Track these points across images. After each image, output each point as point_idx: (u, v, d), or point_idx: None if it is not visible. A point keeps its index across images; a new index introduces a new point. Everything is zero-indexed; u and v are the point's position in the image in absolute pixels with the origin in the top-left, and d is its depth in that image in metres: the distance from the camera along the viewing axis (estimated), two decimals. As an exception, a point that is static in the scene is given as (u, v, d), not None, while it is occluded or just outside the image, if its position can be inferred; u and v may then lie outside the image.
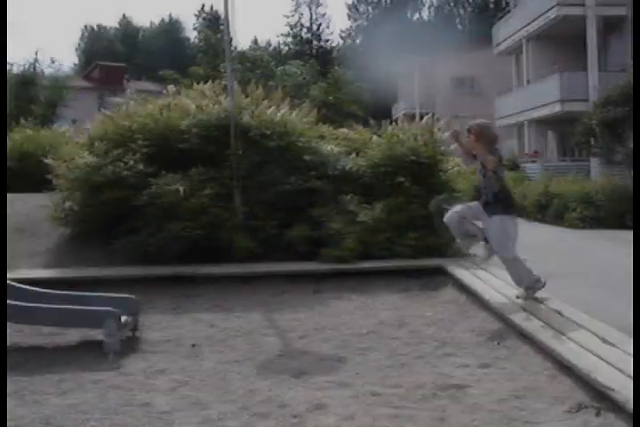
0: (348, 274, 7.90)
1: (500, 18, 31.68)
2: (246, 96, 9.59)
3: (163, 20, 77.96)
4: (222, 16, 10.65)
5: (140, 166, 8.31)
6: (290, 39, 67.59)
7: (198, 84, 10.18)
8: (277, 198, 8.58)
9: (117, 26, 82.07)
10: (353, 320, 6.31)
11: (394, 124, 10.10)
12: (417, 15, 68.97)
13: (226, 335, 5.95)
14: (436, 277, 7.75)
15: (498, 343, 5.29)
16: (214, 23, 66.68)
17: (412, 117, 20.33)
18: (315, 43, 67.01)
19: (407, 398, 4.14)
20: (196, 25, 73.53)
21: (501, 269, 6.66)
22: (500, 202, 6.14)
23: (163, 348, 5.63)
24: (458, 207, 6.36)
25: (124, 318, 5.65)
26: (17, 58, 26.83)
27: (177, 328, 6.27)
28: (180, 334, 6.05)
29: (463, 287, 7.06)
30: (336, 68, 38.62)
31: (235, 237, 8.24)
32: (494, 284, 6.82)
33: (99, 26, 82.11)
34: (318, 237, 8.36)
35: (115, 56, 71.80)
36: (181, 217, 8.00)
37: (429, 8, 69.87)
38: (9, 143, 13.87)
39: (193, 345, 5.63)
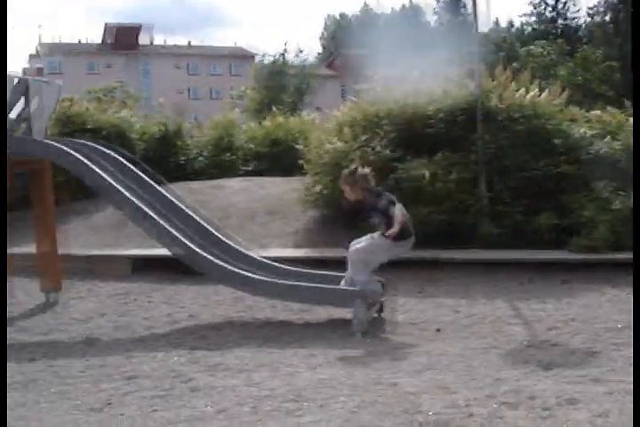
0: (599, 265, 7.49)
1: None
2: (492, 79, 9.38)
3: (403, 5, 78.47)
4: (467, -1, 10.45)
5: (387, 151, 8.44)
6: (533, 19, 64.98)
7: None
8: (524, 184, 8.32)
9: (359, 13, 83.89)
10: (605, 314, 5.99)
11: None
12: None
13: (470, 322, 5.91)
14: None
15: None
16: (454, 6, 66.00)
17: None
18: (560, 21, 63.82)
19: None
20: (436, 9, 73.18)
21: None
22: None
23: (407, 330, 5.72)
24: None
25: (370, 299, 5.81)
26: (268, 49, 28.33)
27: (421, 312, 6.34)
28: (423, 317, 6.11)
29: None
30: (585, 47, 36.47)
31: (479, 223, 8.13)
32: None
33: (341, 15, 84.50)
34: (567, 224, 8.00)
35: (357, 43, 73.71)
36: (426, 202, 8.03)
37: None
38: (261, 131, 14.70)
39: (437, 330, 5.65)
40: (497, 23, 64.28)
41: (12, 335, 5.96)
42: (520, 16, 73.00)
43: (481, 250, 8.04)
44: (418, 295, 6.99)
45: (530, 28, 63.36)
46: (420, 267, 7.80)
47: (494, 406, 3.81)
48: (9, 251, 8.79)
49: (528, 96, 8.96)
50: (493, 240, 8.07)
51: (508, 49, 35.59)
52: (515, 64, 20.83)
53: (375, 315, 6.04)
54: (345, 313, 5.87)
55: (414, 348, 5.14)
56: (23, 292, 7.77)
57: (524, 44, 40.22)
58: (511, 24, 66.91)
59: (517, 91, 9.09)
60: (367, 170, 5.95)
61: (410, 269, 7.73)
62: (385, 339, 5.48)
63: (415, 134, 8.67)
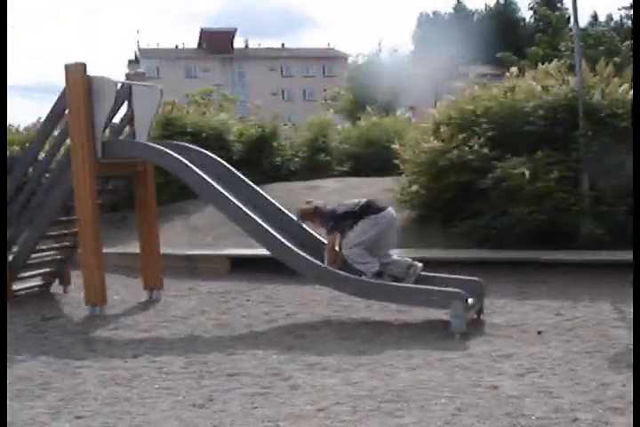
0: None
1: None
2: (594, 75, 9.09)
3: (497, 2, 77.03)
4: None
5: (485, 150, 8.31)
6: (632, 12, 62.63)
7: (536, 65, 9.87)
8: (628, 183, 8.01)
9: (452, 11, 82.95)
10: None
11: None
12: None
13: (573, 325, 5.75)
14: None
15: None
16: (550, 1, 64.27)
17: None
18: (662, 13, 61.24)
19: None
20: (532, 4, 71.48)
21: None
22: None
23: (508, 332, 5.61)
24: None
25: (470, 300, 5.73)
26: (361, 49, 28.34)
27: (521, 314, 6.20)
28: (524, 319, 5.98)
29: None
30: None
31: (581, 223, 7.89)
32: None
33: (434, 12, 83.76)
34: (675, 224, 7.66)
35: (449, 41, 72.90)
36: (525, 201, 7.86)
37: None
38: (356, 131, 14.73)
39: (539, 332, 5.52)
40: (595, 17, 62.23)
41: (117, 332, 6.17)
42: (619, 9, 70.53)
43: (583, 251, 7.80)
44: (518, 297, 6.84)
45: (629, 22, 61.02)
46: (521, 268, 7.65)
47: (600, 411, 3.70)
48: (114, 250, 9.17)
49: (632, 91, 8.63)
50: (596, 241, 7.83)
51: (608, 43, 34.34)
52: (616, 59, 20.09)
53: (474, 316, 5.95)
54: (443, 314, 5.80)
55: (515, 350, 5.03)
56: (127, 290, 8.04)
57: (625, 39, 38.75)
58: (610, 18, 64.74)
59: (620, 86, 8.77)
60: (310, 205, 6.51)
61: (510, 270, 7.60)
62: (485, 341, 5.38)
63: (514, 132, 8.50)
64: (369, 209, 6.26)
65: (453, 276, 6.21)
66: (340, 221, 6.24)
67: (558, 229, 7.95)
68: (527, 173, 7.87)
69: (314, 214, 6.39)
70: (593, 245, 7.81)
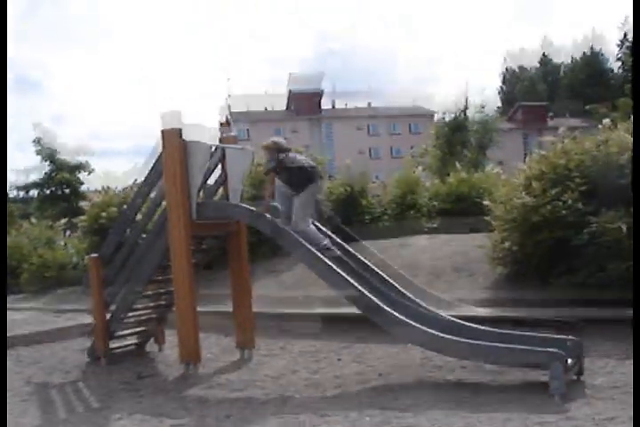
0: None
1: None
2: None
3: (584, 53, 76.35)
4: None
5: (579, 205, 8.11)
6: None
7: (628, 116, 9.66)
8: None
9: (538, 65, 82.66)
10: None
11: None
12: None
13: (682, 387, 5.44)
14: None
15: None
16: None
17: None
18: None
19: None
20: (619, 55, 70.53)
21: None
22: None
23: (609, 394, 5.37)
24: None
25: (569, 361, 5.53)
26: (448, 106, 28.44)
27: (623, 374, 5.93)
28: (627, 380, 5.70)
29: None
30: None
31: (685, 279, 7.53)
32: None
33: (520, 67, 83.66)
34: None
35: (536, 95, 72.39)
36: (625, 256, 7.59)
37: None
38: (445, 187, 14.65)
39: (645, 394, 5.25)
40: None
41: (210, 391, 6.23)
42: None
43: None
44: (619, 357, 6.54)
45: None
46: (621, 326, 7.33)
47: None
48: (207, 308, 9.31)
49: None
50: None
51: None
52: None
53: (574, 377, 5.73)
54: (541, 375, 5.61)
55: (618, 413, 4.80)
56: (220, 348, 8.13)
57: None
58: None
59: None
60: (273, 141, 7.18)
61: (609, 328, 7.30)
62: (585, 403, 5.17)
63: (609, 186, 8.28)
64: (314, 176, 6.94)
65: (552, 335, 6.02)
66: (286, 171, 6.89)
67: (660, 285, 7.61)
68: (624, 227, 7.62)
69: (272, 148, 7.00)
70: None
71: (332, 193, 13.62)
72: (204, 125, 7.28)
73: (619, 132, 8.99)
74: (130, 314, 7.84)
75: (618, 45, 72.61)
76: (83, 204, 15.63)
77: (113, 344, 7.89)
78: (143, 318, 8.13)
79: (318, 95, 66.65)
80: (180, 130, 6.95)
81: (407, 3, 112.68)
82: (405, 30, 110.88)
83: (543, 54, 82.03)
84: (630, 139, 8.63)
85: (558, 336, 5.96)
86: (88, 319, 8.66)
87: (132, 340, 8.30)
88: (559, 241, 8.14)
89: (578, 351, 5.80)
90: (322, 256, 6.41)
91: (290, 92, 66.70)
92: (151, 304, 8.11)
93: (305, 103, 65.06)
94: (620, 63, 69.07)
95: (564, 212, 8.11)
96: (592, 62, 74.60)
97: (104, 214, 13.91)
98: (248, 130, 61.71)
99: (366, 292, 6.21)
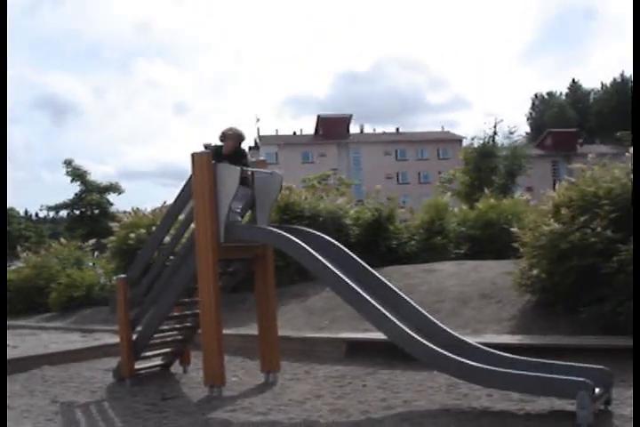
0: None
1: None
2: None
3: (614, 80, 76.06)
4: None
5: (608, 232, 8.04)
6: None
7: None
8: None
9: (567, 91, 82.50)
10: None
11: None
12: None
13: None
14: None
15: None
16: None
17: None
18: None
19: None
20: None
21: None
22: None
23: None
24: None
25: (597, 390, 5.45)
26: (478, 132, 28.49)
27: (654, 406, 5.82)
28: (657, 412, 5.60)
29: None
30: None
31: None
32: None
33: (549, 93, 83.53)
34: None
35: (566, 122, 72.18)
36: (654, 285, 7.49)
37: None
38: (473, 213, 14.62)
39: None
40: None
41: (234, 414, 6.22)
42: None
43: None
44: (648, 387, 6.43)
45: None
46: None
47: None
48: (233, 331, 9.32)
49: None
50: None
51: None
52: None
53: (602, 407, 5.63)
54: (568, 405, 5.53)
55: (650, 446, 4.71)
56: (244, 371, 8.12)
57: None
58: None
59: None
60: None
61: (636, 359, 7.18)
62: (614, 434, 5.08)
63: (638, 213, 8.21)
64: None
65: (579, 364, 5.93)
66: None
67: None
68: (654, 255, 7.54)
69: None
70: None
71: (360, 218, 13.64)
72: (234, 166, 7.36)
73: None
74: (156, 335, 7.88)
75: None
76: (112, 224, 15.76)
77: (138, 365, 7.92)
78: (169, 339, 8.17)
79: (346, 119, 67.00)
80: (210, 153, 7.02)
81: (442, 31, 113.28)
82: (436, 56, 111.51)
83: (573, 80, 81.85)
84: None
85: (586, 365, 5.87)
86: (114, 339, 8.71)
87: (158, 361, 8.33)
88: (588, 269, 8.07)
89: (606, 381, 5.70)
90: (349, 282, 6.39)
91: (319, 116, 67.16)
92: (177, 326, 8.15)
93: (333, 127, 65.45)
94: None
95: (592, 239, 8.04)
96: (621, 89, 74.32)
97: (132, 235, 14.03)
98: (277, 153, 62.12)
99: (396, 321, 6.17)
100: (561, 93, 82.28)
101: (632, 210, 8.28)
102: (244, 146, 7.66)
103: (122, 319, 7.77)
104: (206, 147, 7.19)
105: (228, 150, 7.30)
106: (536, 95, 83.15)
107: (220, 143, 7.36)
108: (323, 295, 10.66)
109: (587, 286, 8.13)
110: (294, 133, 68.92)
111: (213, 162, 7.01)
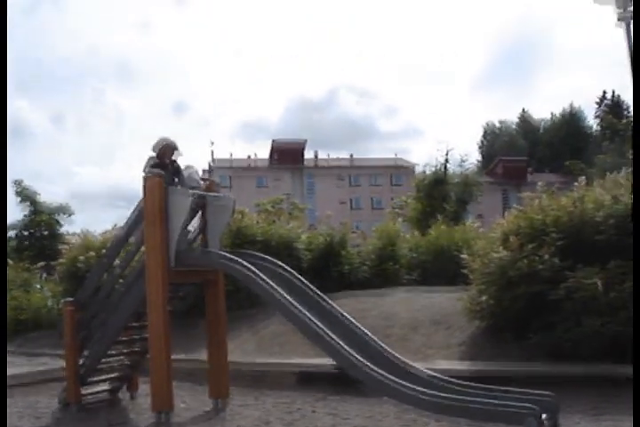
0: None
1: None
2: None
3: (564, 110, 77.92)
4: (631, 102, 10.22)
5: (555, 260, 8.20)
6: None
7: (605, 173, 9.85)
8: None
9: (518, 120, 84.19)
10: None
11: None
12: None
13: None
14: None
15: None
16: (616, 110, 64.68)
17: None
18: None
19: None
20: (598, 113, 72.12)
21: None
22: None
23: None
24: None
25: (544, 416, 5.50)
26: (429, 160, 28.89)
27: (599, 432, 5.91)
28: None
29: None
30: None
31: (660, 336, 7.58)
32: None
33: (500, 121, 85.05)
34: None
35: (516, 151, 73.54)
36: (599, 312, 7.65)
37: None
38: (424, 240, 14.75)
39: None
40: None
41: (183, 441, 6.13)
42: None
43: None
44: (593, 413, 6.53)
45: None
46: (596, 382, 7.33)
47: None
48: (182, 356, 9.20)
49: None
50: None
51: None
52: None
53: (549, 434, 5.69)
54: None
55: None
56: (193, 397, 8.02)
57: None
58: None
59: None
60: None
61: (585, 384, 7.29)
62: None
63: (585, 242, 8.40)
64: None
65: (527, 390, 5.99)
66: None
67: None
68: (600, 283, 7.71)
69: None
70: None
71: (312, 243, 13.66)
72: (186, 189, 7.40)
73: (595, 189, 9.16)
74: (103, 360, 7.74)
75: (597, 103, 74.39)
76: (61, 247, 15.49)
77: (85, 390, 7.76)
78: (116, 364, 8.03)
79: (301, 146, 67.36)
80: (162, 176, 6.99)
81: (388, 56, 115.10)
82: (388, 83, 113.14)
83: (523, 110, 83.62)
84: (607, 196, 8.79)
85: (533, 391, 5.94)
86: (61, 364, 8.53)
87: (105, 386, 8.16)
88: (536, 296, 8.20)
89: (553, 407, 5.77)
90: (301, 308, 6.38)
91: (273, 142, 67.39)
92: (125, 350, 8.02)
93: (288, 153, 65.71)
94: (596, 121, 70.56)
95: (540, 266, 8.19)
96: (570, 120, 76.23)
97: (82, 258, 13.79)
98: (230, 177, 62.01)
99: (346, 347, 6.15)
100: (512, 122, 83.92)
101: (579, 238, 8.50)
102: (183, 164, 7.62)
103: (68, 343, 7.62)
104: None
105: (161, 159, 7.34)
106: (487, 124, 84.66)
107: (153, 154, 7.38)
108: (273, 320, 10.59)
109: (535, 312, 8.26)
110: (249, 157, 68.89)
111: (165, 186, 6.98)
